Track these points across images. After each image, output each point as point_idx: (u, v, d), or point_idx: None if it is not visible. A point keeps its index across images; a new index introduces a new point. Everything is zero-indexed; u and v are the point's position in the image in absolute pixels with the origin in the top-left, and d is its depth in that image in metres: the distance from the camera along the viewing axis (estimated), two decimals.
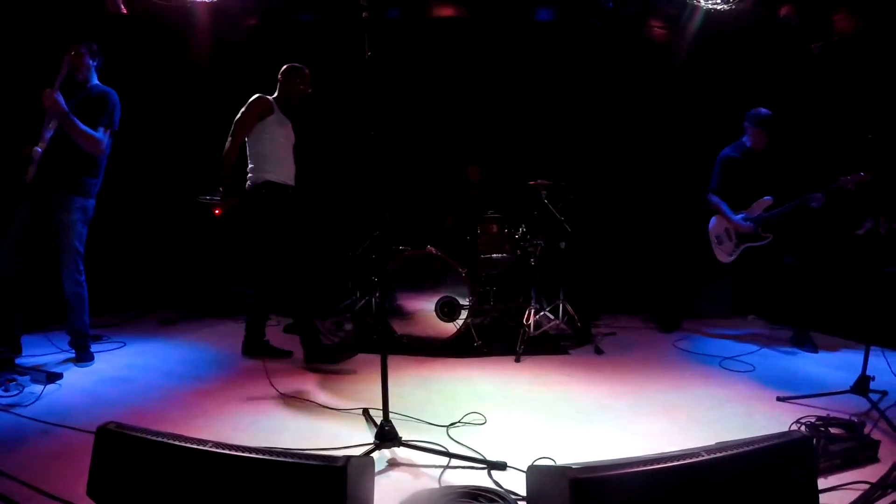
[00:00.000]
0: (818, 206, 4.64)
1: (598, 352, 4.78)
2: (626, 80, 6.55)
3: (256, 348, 4.52)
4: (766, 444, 1.93)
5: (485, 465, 2.61)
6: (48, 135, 4.05)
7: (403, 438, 2.76)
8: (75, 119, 4.00)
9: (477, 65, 6.50)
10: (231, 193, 4.19)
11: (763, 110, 5.00)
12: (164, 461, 1.89)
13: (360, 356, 4.39)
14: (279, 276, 4.29)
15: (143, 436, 1.93)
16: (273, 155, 4.31)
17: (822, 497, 2.39)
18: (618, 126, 6.58)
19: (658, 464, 1.74)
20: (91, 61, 4.25)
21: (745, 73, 6.18)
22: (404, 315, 4.88)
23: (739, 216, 5.03)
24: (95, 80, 4.29)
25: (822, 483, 2.51)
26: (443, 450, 2.74)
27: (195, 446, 1.89)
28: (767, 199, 4.91)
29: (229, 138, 4.21)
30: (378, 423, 2.79)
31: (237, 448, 1.88)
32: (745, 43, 6.14)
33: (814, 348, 4.84)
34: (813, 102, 5.72)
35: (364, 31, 2.83)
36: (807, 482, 2.09)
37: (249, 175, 4.32)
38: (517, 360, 4.52)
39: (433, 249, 4.80)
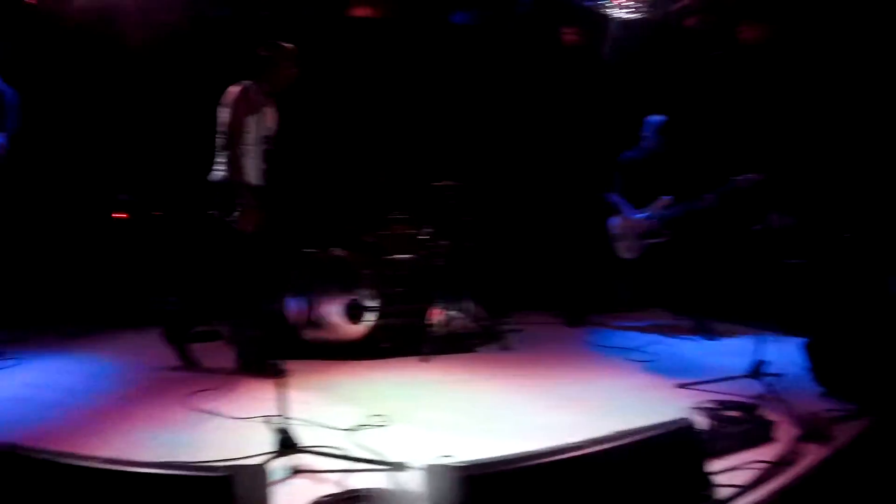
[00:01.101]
0: (714, 205, 4.87)
1: (506, 348, 4.83)
2: (538, 83, 6.65)
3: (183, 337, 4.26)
4: (652, 432, 2.00)
5: (386, 467, 2.59)
6: None
7: (305, 444, 2.70)
8: None
9: (388, 65, 6.43)
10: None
11: (658, 116, 5.28)
12: (56, 481, 1.78)
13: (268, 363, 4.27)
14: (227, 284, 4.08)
15: (37, 457, 1.82)
16: (246, 156, 3.95)
17: (720, 477, 2.48)
18: (526, 127, 6.66)
19: (547, 457, 1.77)
20: None
21: (652, 79, 6.41)
22: (310, 319, 4.78)
23: (640, 215, 5.20)
24: None
25: (721, 464, 2.60)
26: (343, 454, 2.70)
27: (84, 464, 1.80)
28: (667, 198, 5.13)
29: (228, 151, 3.88)
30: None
31: (125, 463, 1.80)
32: (653, 50, 6.40)
33: (713, 335, 5.06)
34: (712, 106, 5.98)
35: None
36: (695, 466, 2.17)
37: (218, 170, 4.01)
38: (424, 361, 4.51)
39: (339, 251, 4.73)
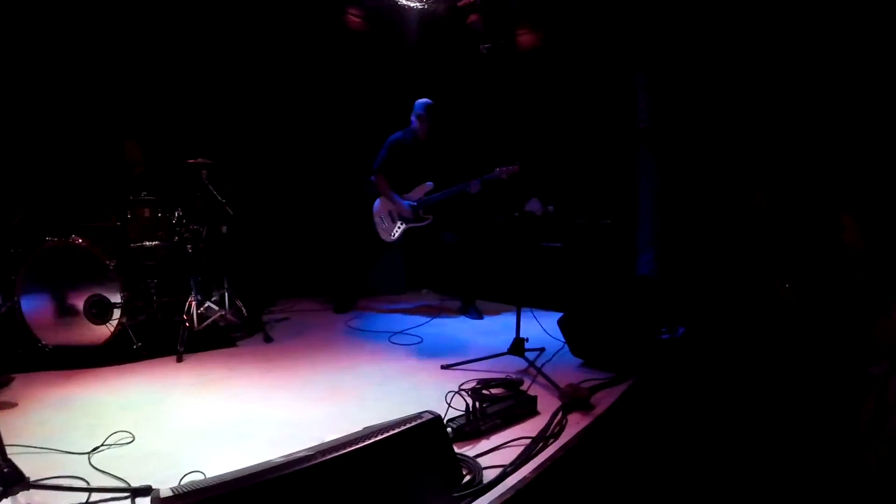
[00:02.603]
0: (475, 192, 5.09)
1: (268, 340, 4.72)
2: (310, 62, 6.48)
3: None
4: (394, 430, 2.06)
5: (128, 494, 2.40)
6: None
7: (34, 478, 2.41)
8: None
9: (131, 25, 5.78)
10: None
11: (427, 100, 5.38)
12: None
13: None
14: None
15: None
16: None
17: (485, 458, 2.63)
18: (290, 106, 6.45)
19: (266, 475, 1.74)
20: None
21: (425, 67, 6.55)
22: (49, 321, 4.25)
23: (403, 200, 5.29)
24: None
25: (486, 444, 2.76)
26: (82, 484, 2.47)
27: None
28: (429, 184, 5.30)
29: None
30: None
31: None
32: (430, 39, 6.60)
33: (479, 315, 5.35)
34: (478, 98, 6.22)
35: None
36: (442, 457, 2.25)
37: None
38: (179, 360, 4.22)
39: (79, 239, 4.24)
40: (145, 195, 4.78)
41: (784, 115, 4.75)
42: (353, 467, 1.93)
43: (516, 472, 2.54)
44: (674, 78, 5.39)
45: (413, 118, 5.43)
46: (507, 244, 5.87)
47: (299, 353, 4.39)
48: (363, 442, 1.98)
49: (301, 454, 1.90)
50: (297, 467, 1.80)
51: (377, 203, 5.51)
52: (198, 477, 2.47)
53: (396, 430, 2.11)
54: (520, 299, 4.10)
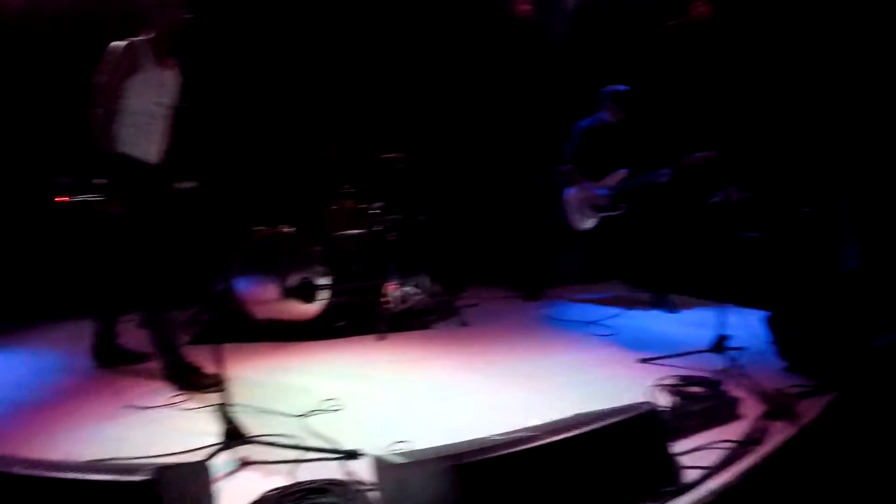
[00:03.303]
0: (667, 181, 4.83)
1: (463, 324, 4.74)
2: (490, 54, 6.49)
3: (107, 354, 3.86)
4: (612, 419, 1.93)
5: (338, 456, 2.48)
6: None
7: (254, 433, 2.57)
8: None
9: (328, 37, 6.21)
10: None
11: (619, 86, 5.18)
12: None
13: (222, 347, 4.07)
14: (136, 267, 3.44)
15: None
16: (132, 123, 3.34)
17: (685, 459, 2.42)
18: (477, 98, 6.52)
19: (505, 448, 1.68)
20: None
21: (604, 51, 6.30)
22: (260, 299, 4.61)
23: (596, 187, 5.15)
24: None
25: (685, 444, 2.54)
26: (294, 443, 2.58)
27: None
28: (623, 171, 5.09)
29: (96, 110, 3.25)
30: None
31: (46, 468, 1.66)
32: (605, 21, 6.24)
33: (673, 308, 5.05)
34: (667, 80, 5.91)
35: None
36: (657, 452, 2.10)
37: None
38: (380, 339, 4.39)
39: (286, 228, 4.56)
40: (347, 188, 5.05)
41: None
42: (576, 451, 1.83)
43: (717, 476, 2.34)
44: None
45: (602, 105, 5.26)
46: (703, 234, 5.51)
47: (494, 339, 4.35)
48: (584, 427, 1.87)
49: (521, 434, 1.84)
50: (527, 445, 1.73)
51: (570, 191, 5.37)
52: (406, 447, 2.50)
53: (616, 419, 1.97)
54: (721, 293, 3.81)
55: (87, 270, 5.36)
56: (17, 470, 1.64)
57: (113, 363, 3.84)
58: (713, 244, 4.87)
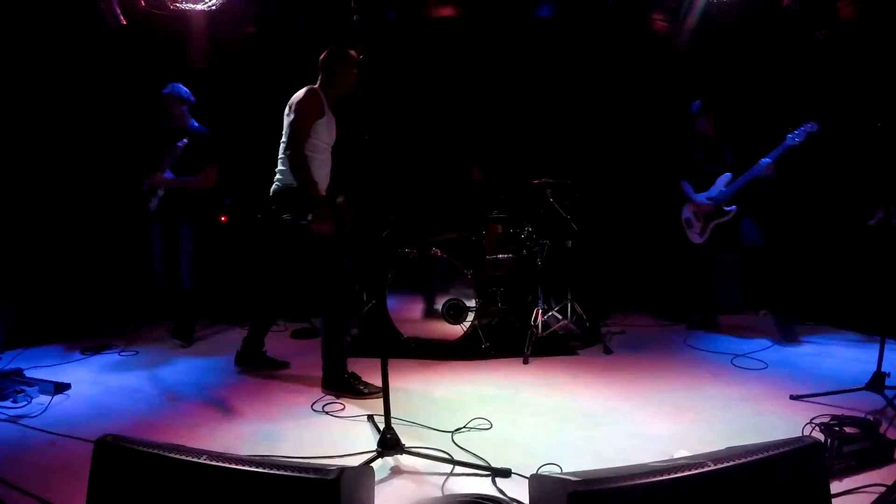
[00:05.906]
0: (771, 175, 4.68)
1: (607, 351, 4.72)
2: (629, 74, 6.47)
3: (251, 359, 4.33)
4: (774, 451, 1.87)
5: (489, 473, 2.58)
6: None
7: (407, 445, 2.73)
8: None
9: (477, 64, 6.42)
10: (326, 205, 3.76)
11: (698, 101, 5.27)
12: (160, 473, 1.87)
13: (367, 361, 4.36)
14: (328, 278, 3.84)
15: (139, 448, 1.90)
16: (315, 158, 3.78)
17: (836, 501, 2.34)
18: (620, 120, 6.49)
19: (661, 475, 1.69)
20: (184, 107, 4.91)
21: (745, 63, 6.11)
22: (410, 318, 4.85)
23: (701, 196, 5.16)
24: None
25: (837, 486, 2.45)
26: (447, 457, 2.72)
27: (189, 458, 1.86)
28: (726, 175, 5.03)
29: (289, 150, 3.68)
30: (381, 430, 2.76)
31: (230, 460, 1.85)
32: (745, 32, 6.06)
33: (826, 342, 4.79)
34: (816, 89, 5.63)
35: (357, 33, 2.76)
36: (818, 490, 2.03)
37: (279, 178, 3.87)
38: (525, 362, 4.47)
39: (438, 251, 4.76)
40: (496, 213, 5.20)
41: None
42: (737, 481, 1.81)
43: None
44: None
45: (696, 121, 5.29)
46: (858, 258, 5.16)
47: (639, 368, 4.31)
48: (747, 458, 1.85)
49: (684, 461, 1.84)
50: (692, 472, 1.74)
51: (684, 209, 5.42)
52: (554, 469, 2.57)
53: (776, 451, 1.93)
54: (883, 326, 3.56)
55: (254, 281, 5.92)
56: (205, 460, 1.85)
57: (256, 367, 4.33)
58: (873, 270, 4.56)
